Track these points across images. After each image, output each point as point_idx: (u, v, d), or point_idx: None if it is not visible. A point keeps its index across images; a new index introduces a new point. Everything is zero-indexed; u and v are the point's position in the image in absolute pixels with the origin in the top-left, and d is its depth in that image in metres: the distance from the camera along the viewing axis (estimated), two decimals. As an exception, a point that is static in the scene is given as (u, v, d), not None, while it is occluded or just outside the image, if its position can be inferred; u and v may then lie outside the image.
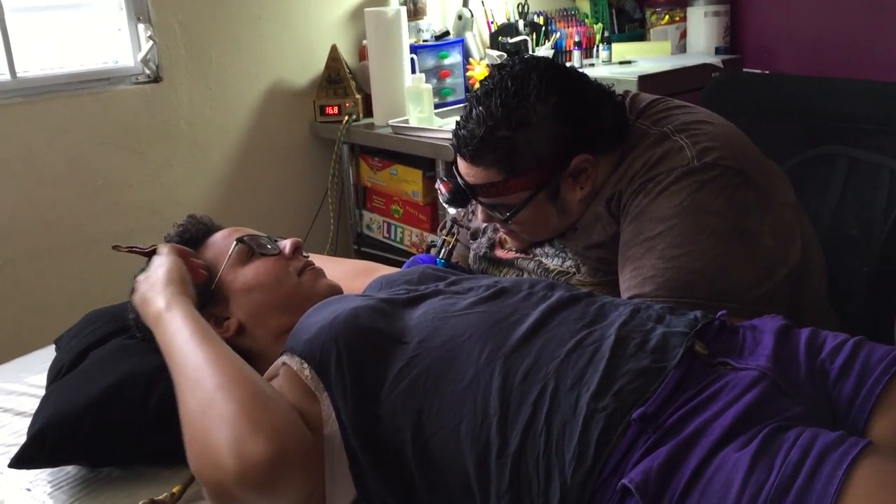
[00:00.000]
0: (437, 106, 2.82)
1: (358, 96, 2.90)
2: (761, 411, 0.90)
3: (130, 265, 1.33)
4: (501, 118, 1.27)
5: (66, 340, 1.47)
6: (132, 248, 1.32)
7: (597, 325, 1.03)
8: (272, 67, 2.87)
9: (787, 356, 0.99)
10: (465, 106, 1.34)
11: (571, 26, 3.33)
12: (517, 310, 1.07)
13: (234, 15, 2.74)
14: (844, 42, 3.03)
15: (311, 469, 0.96)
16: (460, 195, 1.38)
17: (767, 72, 2.92)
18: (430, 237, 2.69)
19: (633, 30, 3.54)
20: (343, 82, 2.90)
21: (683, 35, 3.42)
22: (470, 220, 1.56)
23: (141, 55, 2.57)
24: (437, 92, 2.91)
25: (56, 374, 1.37)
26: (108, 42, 2.58)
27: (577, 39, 3.25)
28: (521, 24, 3.19)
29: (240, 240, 1.26)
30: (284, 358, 1.08)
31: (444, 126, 2.62)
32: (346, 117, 2.88)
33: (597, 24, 3.39)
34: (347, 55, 2.98)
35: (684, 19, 3.41)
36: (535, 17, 3.24)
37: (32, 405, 1.34)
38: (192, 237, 1.29)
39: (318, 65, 2.94)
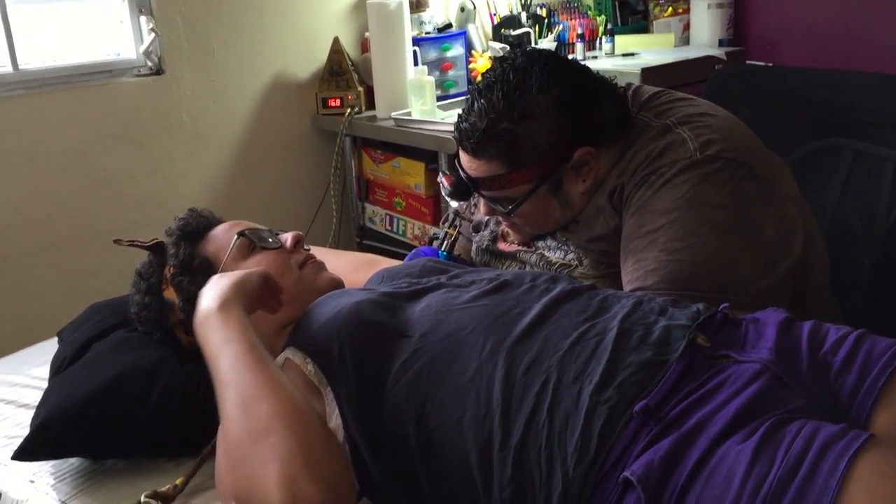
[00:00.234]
0: (439, 98, 2.82)
1: (360, 89, 2.90)
2: (763, 404, 0.90)
3: (132, 258, 1.34)
4: (503, 111, 1.26)
5: (68, 333, 1.47)
6: (133, 241, 1.32)
7: (599, 318, 1.03)
8: (274, 60, 2.87)
9: (789, 349, 0.99)
10: (467, 98, 1.34)
11: (574, 18, 3.32)
12: (520, 303, 1.07)
13: (237, 7, 2.73)
14: (848, 34, 3.02)
15: None
16: (462, 188, 1.38)
17: (771, 64, 2.92)
18: (432, 230, 2.68)
19: (637, 22, 3.52)
20: (345, 75, 2.89)
21: (687, 27, 3.41)
22: (472, 213, 1.56)
23: (143, 47, 2.56)
24: (440, 84, 2.91)
25: (58, 367, 1.38)
26: (110, 34, 2.58)
27: (579, 31, 3.24)
28: (523, 16, 3.18)
29: (241, 233, 1.26)
30: (287, 352, 1.08)
31: (447, 118, 2.61)
32: (349, 110, 2.87)
33: (600, 16, 3.38)
34: (350, 47, 2.97)
35: (687, 11, 3.40)
36: (538, 8, 3.24)
37: (35, 397, 1.34)
38: (193, 230, 1.29)
39: (321, 57, 2.93)
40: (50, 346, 1.53)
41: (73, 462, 1.29)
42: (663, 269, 1.21)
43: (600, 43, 3.30)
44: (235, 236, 1.26)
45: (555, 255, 1.40)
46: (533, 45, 3.07)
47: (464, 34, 3.03)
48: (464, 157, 1.35)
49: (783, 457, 0.82)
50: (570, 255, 1.39)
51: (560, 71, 1.30)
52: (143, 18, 2.56)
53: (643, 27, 3.51)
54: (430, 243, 1.55)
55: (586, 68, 1.36)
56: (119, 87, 2.54)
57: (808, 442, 0.83)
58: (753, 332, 1.02)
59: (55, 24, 2.48)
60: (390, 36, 2.75)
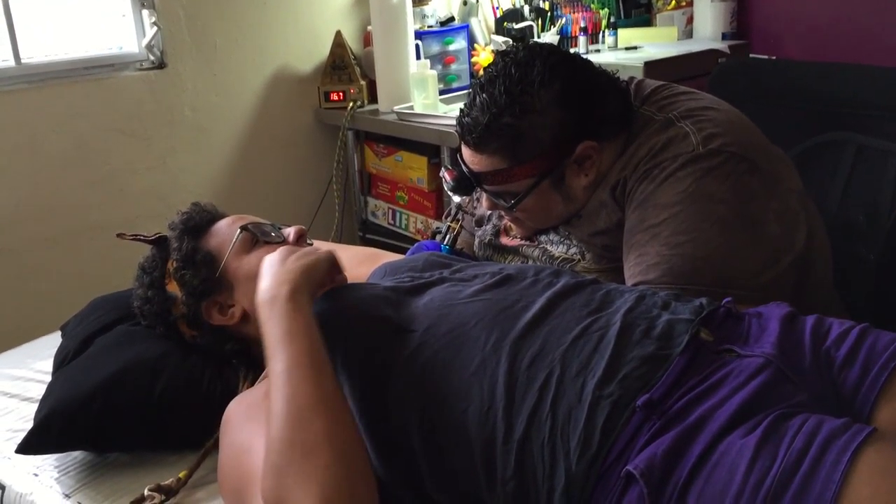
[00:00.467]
0: (441, 92, 2.81)
1: (362, 82, 2.89)
2: (766, 398, 0.89)
3: (135, 252, 1.34)
4: (505, 105, 1.26)
5: (71, 327, 1.47)
6: (137, 236, 1.32)
7: (602, 312, 1.03)
8: (277, 54, 2.87)
9: (792, 343, 0.99)
10: (469, 93, 1.33)
11: (577, 12, 3.31)
12: (523, 297, 1.07)
13: (239, 1, 2.73)
14: (852, 28, 3.01)
15: None
16: (465, 183, 1.37)
17: (774, 58, 2.91)
18: (435, 224, 2.69)
19: (640, 15, 3.51)
20: (348, 68, 2.89)
21: (690, 20, 3.40)
22: (475, 207, 1.56)
23: (145, 41, 2.56)
24: (442, 78, 2.91)
25: (62, 361, 1.38)
26: (113, 28, 2.57)
27: (582, 25, 3.23)
28: (526, 9, 3.18)
29: (244, 227, 1.26)
30: (291, 347, 1.08)
31: (449, 112, 2.61)
32: (351, 103, 2.87)
33: (602, 9, 3.37)
34: (352, 41, 2.97)
35: (691, 4, 3.39)
36: (541, 2, 3.23)
37: (39, 391, 1.34)
38: (196, 225, 1.29)
39: (323, 51, 2.93)
40: (53, 340, 1.54)
41: (76, 455, 1.29)
42: (666, 263, 1.21)
43: (603, 36, 3.29)
44: (238, 230, 1.26)
45: (557, 250, 1.40)
46: (536, 38, 3.06)
47: (466, 28, 3.03)
48: (466, 152, 1.35)
49: (786, 451, 0.82)
50: (573, 250, 1.39)
51: (562, 65, 1.29)
52: (145, 12, 2.56)
53: (646, 20, 3.50)
54: (433, 237, 1.55)
55: (588, 62, 1.36)
56: (121, 81, 2.54)
57: (811, 436, 0.83)
58: (756, 327, 1.02)
59: (57, 18, 2.48)
60: (393, 29, 2.75)
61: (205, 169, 2.77)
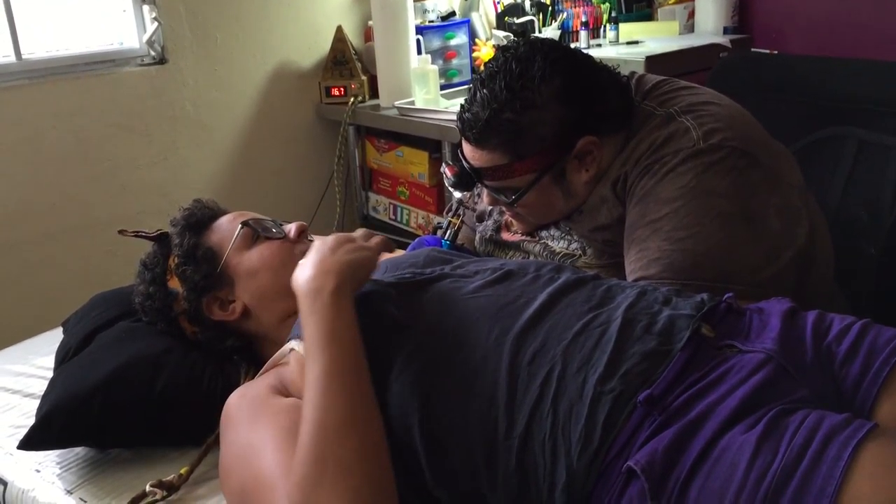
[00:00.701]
0: (443, 87, 2.81)
1: (363, 78, 2.89)
2: (767, 394, 0.89)
3: (137, 248, 1.34)
4: (506, 101, 1.26)
5: (73, 323, 1.47)
6: (138, 232, 1.33)
7: (604, 308, 1.03)
8: (277, 49, 2.86)
9: (793, 339, 0.99)
10: (470, 88, 1.33)
11: (578, 6, 3.31)
12: (524, 293, 1.07)
13: (240, -4, 2.73)
14: (854, 22, 3.00)
15: None
16: (466, 179, 1.37)
17: (776, 52, 2.90)
18: (436, 219, 2.68)
19: (641, 10, 3.51)
20: (349, 63, 2.89)
21: (691, 15, 3.39)
22: (476, 203, 1.55)
23: (146, 37, 2.56)
24: (443, 73, 2.90)
25: (63, 357, 1.38)
26: (113, 23, 2.57)
27: (583, 19, 3.23)
28: (527, 4, 3.17)
29: (245, 223, 1.26)
30: (293, 343, 1.08)
31: (450, 107, 2.61)
32: (352, 99, 2.87)
33: (604, 3, 3.36)
34: (353, 36, 2.97)
35: (692, -1, 3.39)
36: (542, -3, 3.22)
37: (40, 387, 1.35)
38: (197, 221, 1.30)
39: (324, 46, 2.93)
40: (54, 336, 1.54)
41: (78, 451, 1.29)
42: (666, 258, 1.21)
43: (604, 31, 3.29)
44: (239, 226, 1.26)
45: (558, 245, 1.40)
46: (537, 33, 3.06)
47: (467, 22, 3.02)
48: (467, 148, 1.34)
49: (787, 446, 0.82)
50: (574, 245, 1.39)
51: (562, 60, 1.29)
52: (145, 7, 2.56)
53: (647, 15, 3.50)
54: (434, 233, 1.55)
55: (589, 57, 1.35)
56: (122, 76, 2.54)
57: (812, 432, 0.83)
58: (758, 322, 1.02)
59: (58, 14, 2.48)
60: (394, 24, 2.74)
61: (206, 164, 2.77)
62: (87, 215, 2.50)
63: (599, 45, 3.19)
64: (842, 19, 3.05)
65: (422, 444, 0.97)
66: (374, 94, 2.90)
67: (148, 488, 1.15)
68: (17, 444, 1.22)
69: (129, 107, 2.55)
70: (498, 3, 3.18)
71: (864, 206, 1.59)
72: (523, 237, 1.45)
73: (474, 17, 3.08)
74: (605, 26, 3.30)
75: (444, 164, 1.43)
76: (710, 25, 3.29)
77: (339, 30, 2.88)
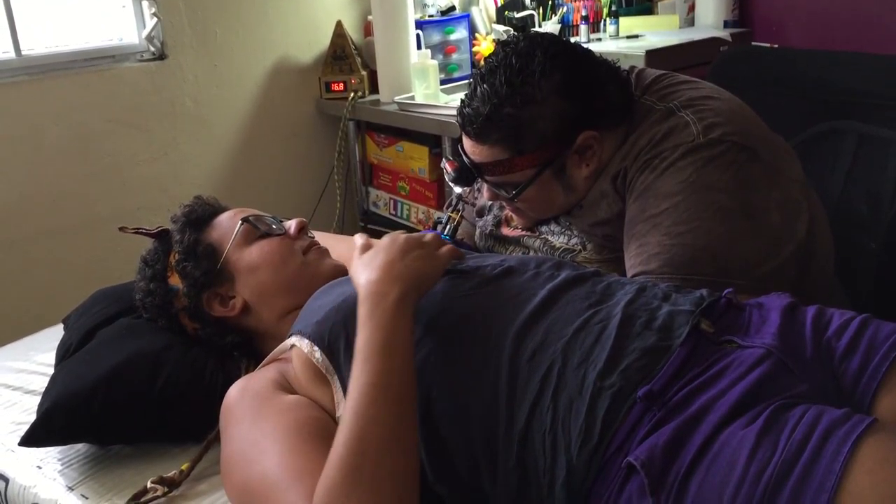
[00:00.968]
0: (443, 82, 2.80)
1: (363, 73, 2.89)
2: (767, 389, 0.90)
3: (137, 245, 1.34)
4: (506, 96, 1.26)
5: (73, 319, 1.47)
6: (139, 229, 1.33)
7: (603, 304, 1.03)
8: (277, 44, 2.86)
9: (793, 334, 0.99)
10: (470, 83, 1.33)
11: (578, 0, 3.30)
12: (525, 289, 1.07)
13: (239, -9, 2.73)
14: (855, 16, 2.99)
15: None
16: (466, 174, 1.37)
17: (776, 46, 2.89)
18: (436, 214, 2.68)
19: (641, 3, 3.50)
20: (348, 59, 2.88)
21: (692, 8, 3.38)
22: (476, 198, 1.55)
23: (145, 32, 2.56)
24: (443, 68, 2.90)
25: (64, 353, 1.38)
26: (113, 19, 2.57)
27: (584, 13, 3.22)
28: (527, -2, 3.16)
29: (245, 220, 1.27)
30: (293, 340, 1.08)
31: (450, 102, 2.61)
32: (352, 94, 2.87)
33: (604, -3, 3.36)
34: (353, 31, 2.96)
35: (692, -8, 3.38)
36: (542, -9, 3.21)
37: (41, 383, 1.35)
38: (198, 217, 1.30)
39: (324, 41, 2.92)
40: (55, 333, 1.54)
41: (79, 448, 1.29)
42: (666, 253, 1.21)
43: (604, 25, 3.27)
44: (240, 223, 1.26)
45: (558, 240, 1.40)
46: (537, 27, 3.05)
47: (467, 17, 3.02)
48: (467, 143, 1.34)
49: (786, 441, 0.82)
50: (574, 240, 1.39)
51: (563, 55, 1.29)
52: (145, 3, 2.56)
53: (648, 9, 3.48)
54: (434, 228, 1.55)
55: (589, 52, 1.35)
56: (122, 72, 2.54)
57: (811, 426, 0.83)
58: (757, 317, 1.02)
59: (57, 10, 2.47)
60: (393, 19, 2.74)
61: (206, 160, 2.77)
62: (88, 211, 2.50)
63: (599, 40, 3.18)
64: (842, 13, 3.04)
65: (423, 441, 0.97)
66: (374, 89, 2.90)
67: (149, 484, 1.15)
68: (18, 440, 1.23)
69: (128, 103, 2.55)
70: (498, -3, 3.17)
71: (865, 200, 1.59)
72: (523, 232, 1.45)
73: (474, 11, 3.07)
74: (605, 20, 3.29)
75: (444, 159, 1.43)
76: (711, 19, 3.28)
77: (339, 25, 2.88)
